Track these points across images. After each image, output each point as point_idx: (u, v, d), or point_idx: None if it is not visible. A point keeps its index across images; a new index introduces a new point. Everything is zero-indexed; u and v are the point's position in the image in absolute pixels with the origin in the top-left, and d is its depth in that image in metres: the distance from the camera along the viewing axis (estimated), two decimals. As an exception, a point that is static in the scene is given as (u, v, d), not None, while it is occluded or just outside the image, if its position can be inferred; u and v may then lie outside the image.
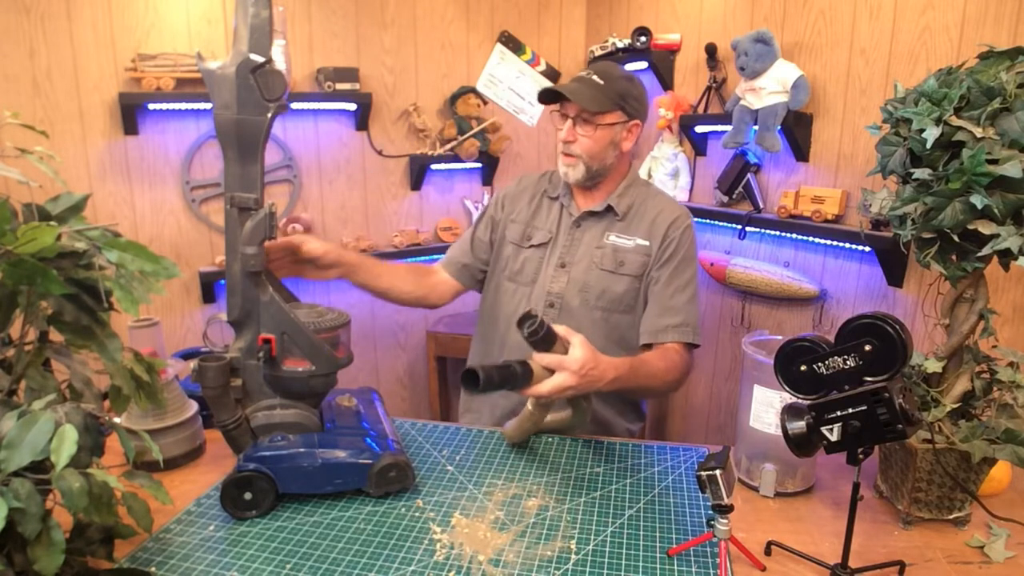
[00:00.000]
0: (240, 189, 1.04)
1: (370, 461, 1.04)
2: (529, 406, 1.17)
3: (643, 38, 2.43)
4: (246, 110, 1.01)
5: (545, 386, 1.05)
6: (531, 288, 1.44)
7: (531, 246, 1.46)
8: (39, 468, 0.67)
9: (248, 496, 0.99)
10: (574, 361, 1.05)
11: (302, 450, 1.02)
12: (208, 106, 2.21)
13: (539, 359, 1.06)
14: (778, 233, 2.09)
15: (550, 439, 1.26)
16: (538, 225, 1.48)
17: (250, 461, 1.00)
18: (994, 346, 1.04)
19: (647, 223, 1.41)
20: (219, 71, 1.00)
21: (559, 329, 1.08)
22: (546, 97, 1.37)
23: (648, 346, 1.37)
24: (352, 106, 2.50)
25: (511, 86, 2.84)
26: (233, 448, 1.07)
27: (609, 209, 1.42)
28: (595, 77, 1.34)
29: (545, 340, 1.05)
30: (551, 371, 1.06)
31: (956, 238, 0.92)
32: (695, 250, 1.43)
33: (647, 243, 1.39)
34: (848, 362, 0.81)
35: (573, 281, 1.40)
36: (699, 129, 2.36)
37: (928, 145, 0.91)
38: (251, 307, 1.07)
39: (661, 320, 1.36)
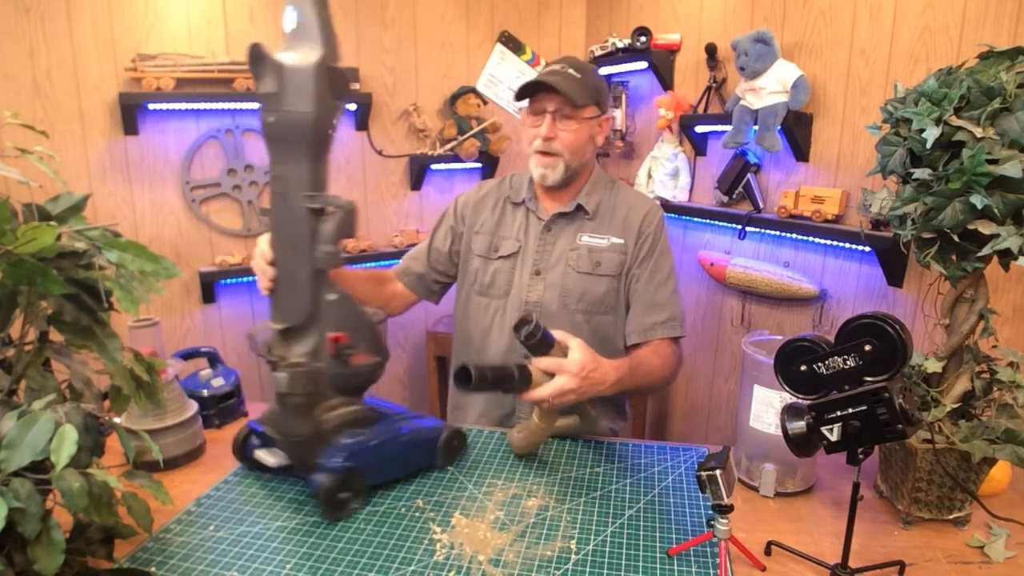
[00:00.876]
0: (312, 188, 0.99)
1: (438, 435, 1.12)
2: (535, 417, 1.13)
3: (643, 38, 2.43)
4: (321, 108, 0.96)
5: (545, 389, 1.03)
6: (505, 300, 1.39)
7: (499, 257, 1.40)
8: (39, 468, 0.67)
9: (344, 495, 1.00)
10: (574, 363, 1.03)
11: (383, 440, 1.06)
12: (208, 106, 2.23)
13: (537, 363, 1.04)
14: (778, 233, 2.09)
15: (550, 439, 1.26)
16: (504, 234, 1.42)
17: (340, 460, 1.00)
18: (994, 346, 1.04)
19: (619, 221, 1.37)
20: (294, 65, 0.94)
21: (556, 334, 1.06)
22: (527, 91, 1.32)
23: (636, 345, 1.35)
24: (352, 106, 2.50)
25: (511, 86, 2.83)
26: (300, 463, 1.03)
27: (579, 209, 1.38)
28: (571, 71, 1.30)
29: (542, 344, 1.03)
30: (551, 376, 1.04)
31: (956, 238, 0.92)
32: (669, 241, 1.41)
33: (622, 241, 1.36)
34: (848, 362, 0.81)
35: (551, 287, 1.35)
36: (699, 129, 2.36)
37: (928, 145, 0.91)
38: (314, 308, 1.03)
39: (648, 318, 1.34)
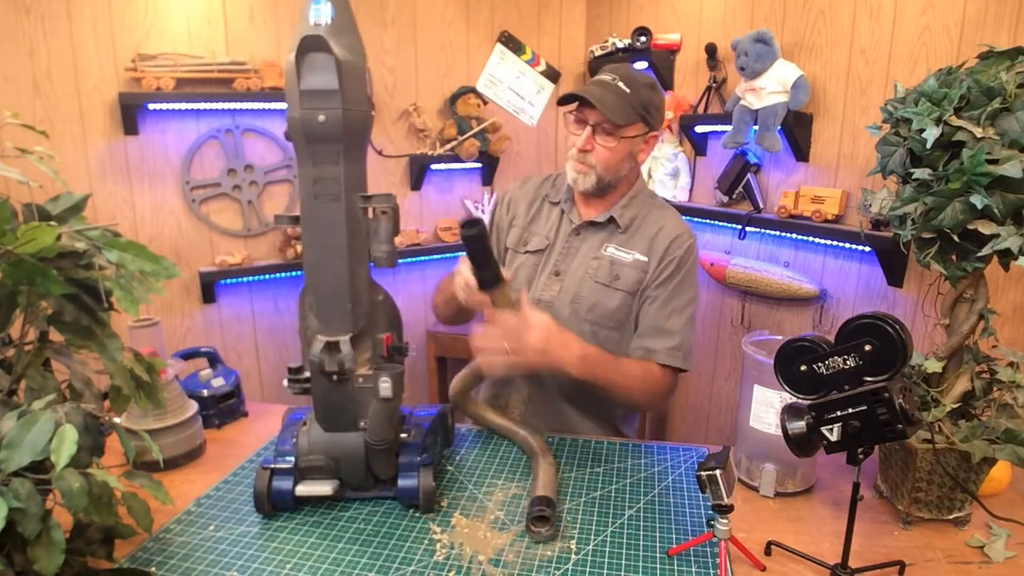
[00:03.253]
0: (360, 189, 0.97)
1: (444, 415, 1.21)
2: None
3: (643, 38, 2.43)
4: (367, 106, 0.94)
5: (509, 321, 1.06)
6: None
7: (527, 252, 1.40)
8: (39, 468, 0.67)
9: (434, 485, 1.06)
10: (540, 321, 1.08)
11: (426, 430, 1.10)
12: (208, 106, 2.23)
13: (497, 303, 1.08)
14: (778, 233, 2.09)
15: (550, 439, 1.26)
16: (535, 230, 1.42)
17: (423, 455, 1.05)
18: (994, 346, 1.04)
19: (648, 238, 1.33)
20: (348, 61, 0.90)
21: (519, 295, 1.09)
22: (567, 99, 1.29)
23: None
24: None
25: (511, 86, 2.84)
26: (379, 469, 1.02)
27: (611, 220, 1.35)
28: (621, 84, 1.26)
29: (483, 254, 1.03)
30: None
31: (956, 238, 0.92)
32: (696, 271, 1.35)
33: (645, 259, 1.32)
34: (848, 362, 0.81)
35: (565, 291, 1.34)
36: (699, 129, 2.36)
37: (928, 145, 0.91)
38: (372, 310, 1.01)
39: (652, 341, 1.29)
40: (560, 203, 1.42)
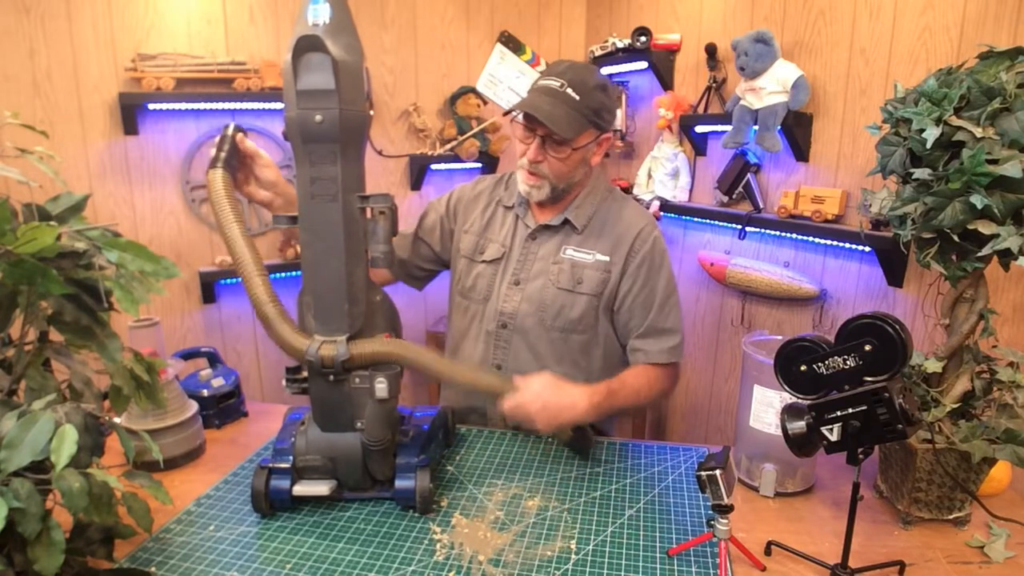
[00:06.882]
0: (358, 189, 0.97)
1: (444, 418, 1.22)
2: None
3: (643, 38, 2.43)
4: (364, 106, 0.94)
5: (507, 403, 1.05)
6: (483, 306, 1.35)
7: (483, 261, 1.36)
8: (39, 468, 0.67)
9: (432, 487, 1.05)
10: (532, 396, 1.06)
11: (424, 432, 1.11)
12: (208, 106, 2.23)
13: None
14: (778, 233, 2.09)
15: (550, 439, 1.26)
16: (491, 237, 1.38)
17: (420, 457, 1.04)
18: (994, 346, 1.04)
19: (609, 237, 1.30)
20: (345, 61, 0.90)
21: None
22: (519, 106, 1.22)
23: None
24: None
25: (511, 86, 2.83)
26: (376, 470, 1.02)
27: (567, 222, 1.31)
28: (570, 91, 1.19)
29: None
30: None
31: (956, 238, 0.93)
32: (667, 259, 1.34)
33: (607, 259, 1.29)
34: (848, 362, 0.81)
35: (528, 300, 1.30)
36: (699, 129, 2.36)
37: (928, 145, 0.91)
38: (369, 311, 1.01)
39: (652, 343, 1.29)
40: (514, 207, 1.38)
